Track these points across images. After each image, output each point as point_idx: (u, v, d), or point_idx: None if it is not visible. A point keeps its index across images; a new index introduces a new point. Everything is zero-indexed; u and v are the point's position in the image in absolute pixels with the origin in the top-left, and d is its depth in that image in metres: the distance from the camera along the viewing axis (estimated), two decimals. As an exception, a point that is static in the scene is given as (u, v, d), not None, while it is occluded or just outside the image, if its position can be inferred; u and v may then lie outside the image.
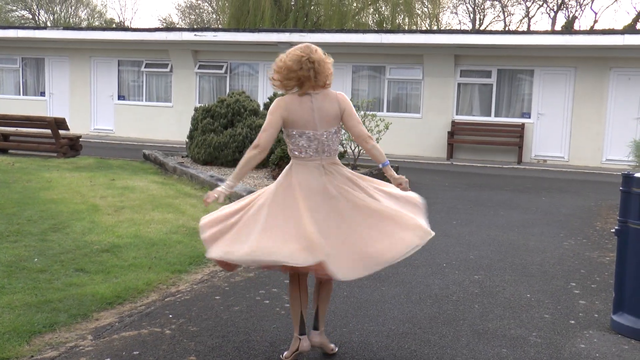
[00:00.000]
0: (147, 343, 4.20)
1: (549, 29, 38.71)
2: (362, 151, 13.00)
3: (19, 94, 22.31)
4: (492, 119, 17.88)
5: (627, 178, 4.71)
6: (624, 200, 4.75)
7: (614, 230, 4.88)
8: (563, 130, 17.32)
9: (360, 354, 4.16)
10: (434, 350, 4.25)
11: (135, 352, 4.04)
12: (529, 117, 17.55)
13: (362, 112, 13.04)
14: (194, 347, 4.17)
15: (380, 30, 18.33)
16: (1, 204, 8.24)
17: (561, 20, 41.00)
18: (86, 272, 5.60)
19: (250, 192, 9.03)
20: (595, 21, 39.92)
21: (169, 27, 32.39)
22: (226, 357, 4.03)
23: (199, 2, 46.37)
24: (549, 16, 40.94)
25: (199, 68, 20.20)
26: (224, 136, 12.19)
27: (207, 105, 12.98)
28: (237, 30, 21.18)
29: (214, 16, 44.64)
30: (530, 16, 41.73)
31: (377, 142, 12.91)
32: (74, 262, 5.87)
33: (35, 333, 4.25)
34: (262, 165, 12.12)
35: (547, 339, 4.55)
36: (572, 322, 4.94)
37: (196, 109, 13.10)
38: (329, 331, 4.47)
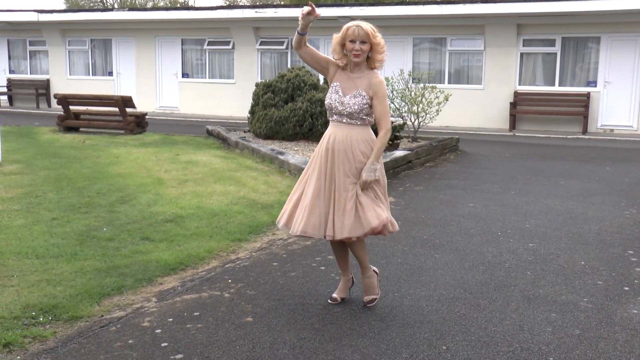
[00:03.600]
0: (207, 305, 4.44)
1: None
2: (422, 123, 13.02)
3: (89, 74, 23.11)
4: (556, 88, 17.52)
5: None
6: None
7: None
8: (632, 99, 16.85)
9: (410, 316, 4.29)
10: (483, 314, 4.35)
11: (195, 313, 4.29)
12: (595, 86, 17.13)
13: (422, 84, 13.03)
14: (251, 309, 4.39)
15: (441, 1, 18.13)
16: (73, 178, 8.68)
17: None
18: (151, 241, 5.89)
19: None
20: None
21: (231, 5, 32.79)
22: (281, 318, 4.23)
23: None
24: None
25: (260, 44, 20.45)
26: (284, 111, 12.39)
27: (267, 81, 13.19)
28: (297, 5, 21.30)
29: (276, -8, 44.80)
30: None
31: (438, 114, 12.92)
32: (140, 231, 6.18)
33: (105, 295, 4.55)
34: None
35: (598, 304, 4.58)
36: (626, 288, 4.93)
37: (257, 85, 13.33)
38: (381, 295, 4.62)
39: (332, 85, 4.42)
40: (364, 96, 4.30)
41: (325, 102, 4.43)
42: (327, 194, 4.28)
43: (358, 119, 4.32)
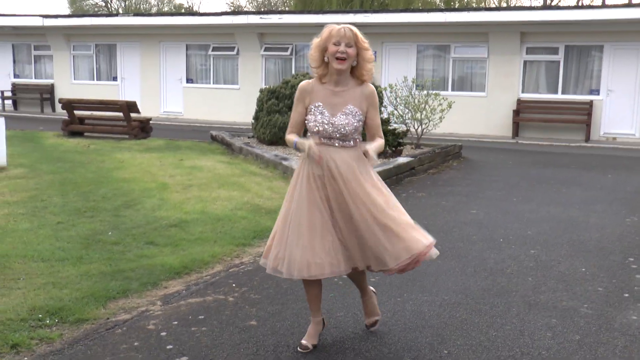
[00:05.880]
0: (211, 309, 4.50)
1: (624, 2, 37.31)
2: (425, 129, 13.07)
3: (93, 79, 23.21)
4: (559, 96, 17.56)
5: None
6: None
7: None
8: (634, 107, 16.89)
9: (412, 321, 4.34)
10: (484, 319, 4.39)
11: (200, 317, 4.34)
12: (598, 94, 17.17)
13: (426, 91, 13.09)
14: (255, 312, 4.44)
15: (445, 8, 18.20)
16: (78, 182, 8.75)
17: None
18: (156, 245, 5.95)
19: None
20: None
21: (235, 11, 32.90)
22: (284, 322, 4.28)
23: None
24: (625, -11, 39.47)
25: (264, 50, 20.54)
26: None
27: (272, 87, 13.26)
28: (301, 12, 21.46)
29: (281, -2, 44.99)
30: (604, -10, 40.34)
31: (441, 121, 12.67)
32: (145, 235, 6.24)
33: (110, 298, 4.61)
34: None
35: (598, 310, 4.62)
36: (626, 295, 4.98)
37: (261, 91, 13.40)
38: (383, 300, 4.67)
39: (312, 106, 3.79)
40: (357, 112, 3.76)
41: (309, 125, 3.78)
42: (338, 224, 3.78)
43: (352, 139, 3.78)
